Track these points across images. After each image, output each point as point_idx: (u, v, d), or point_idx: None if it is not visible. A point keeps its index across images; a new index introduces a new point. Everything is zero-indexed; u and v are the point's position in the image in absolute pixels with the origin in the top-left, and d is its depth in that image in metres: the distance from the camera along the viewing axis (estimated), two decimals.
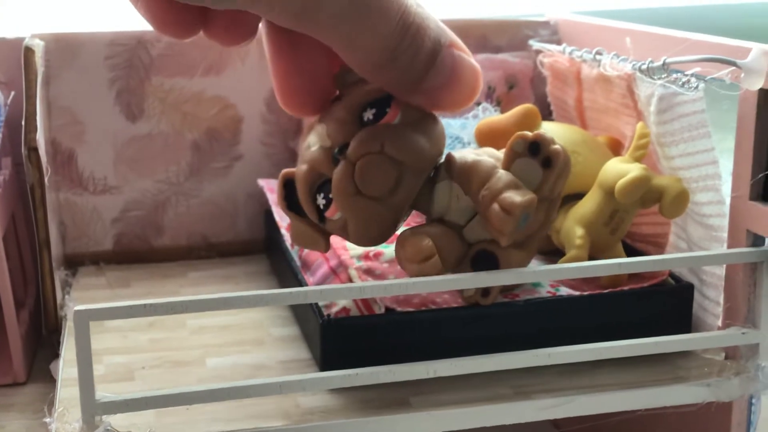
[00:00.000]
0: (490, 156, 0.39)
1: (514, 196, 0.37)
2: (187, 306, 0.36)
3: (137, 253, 0.59)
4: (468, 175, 0.38)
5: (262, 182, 0.57)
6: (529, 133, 0.38)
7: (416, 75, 0.33)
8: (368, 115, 0.37)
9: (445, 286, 0.39)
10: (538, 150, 0.38)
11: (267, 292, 0.37)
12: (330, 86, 0.38)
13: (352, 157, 0.36)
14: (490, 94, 0.61)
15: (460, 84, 0.34)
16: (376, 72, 0.33)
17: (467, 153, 0.39)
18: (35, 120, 0.49)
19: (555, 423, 0.57)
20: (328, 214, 0.38)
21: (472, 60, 0.35)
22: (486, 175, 0.38)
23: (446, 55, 0.34)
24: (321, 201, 0.38)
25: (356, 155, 0.36)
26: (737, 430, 0.43)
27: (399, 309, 0.41)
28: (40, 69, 0.51)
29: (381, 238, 0.38)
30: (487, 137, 0.48)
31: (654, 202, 0.43)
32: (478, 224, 0.39)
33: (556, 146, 0.38)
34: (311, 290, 0.37)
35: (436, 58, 0.33)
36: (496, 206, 0.37)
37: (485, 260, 0.39)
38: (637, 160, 0.44)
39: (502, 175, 0.38)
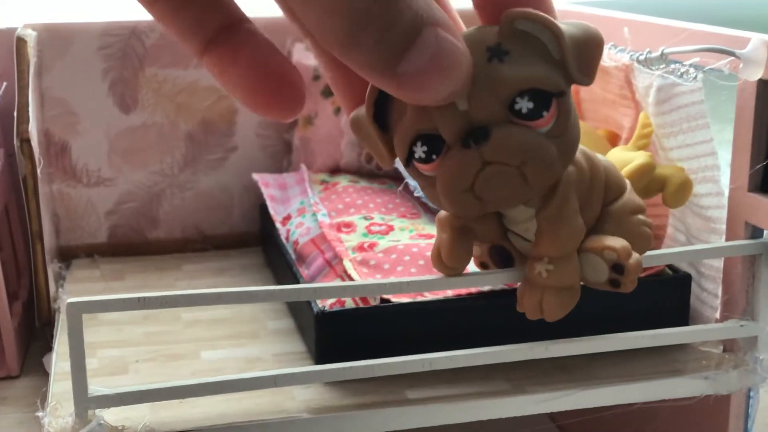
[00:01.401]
0: (597, 194, 0.36)
1: (558, 308, 0.36)
2: (181, 300, 0.35)
3: (132, 245, 0.58)
4: (545, 235, 0.35)
5: (257, 176, 0.57)
6: (626, 252, 0.35)
7: (390, 54, 0.27)
8: (523, 106, 0.31)
9: (439, 287, 0.38)
10: (620, 273, 0.36)
11: (261, 289, 0.36)
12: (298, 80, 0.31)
13: (490, 157, 0.31)
14: None
15: (445, 72, 0.28)
16: (341, 46, 0.27)
17: (569, 192, 0.35)
18: (27, 111, 0.48)
19: (552, 416, 0.57)
20: (421, 167, 0.33)
21: (462, 45, 0.28)
22: (558, 248, 0.35)
23: (430, 34, 0.27)
24: (420, 152, 0.32)
25: (495, 157, 0.31)
26: (735, 423, 0.42)
27: (394, 300, 0.40)
28: (32, 59, 0.50)
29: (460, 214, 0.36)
30: None
31: (657, 192, 0.42)
32: (526, 248, 0.37)
33: (635, 281, 0.36)
34: (305, 288, 0.37)
35: (418, 35, 0.27)
36: (538, 295, 0.36)
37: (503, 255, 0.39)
38: (640, 149, 0.43)
39: (570, 266, 0.35)
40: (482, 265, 0.40)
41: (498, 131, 0.31)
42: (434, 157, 0.32)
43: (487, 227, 0.37)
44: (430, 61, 0.28)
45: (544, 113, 0.32)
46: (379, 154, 0.34)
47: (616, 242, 0.35)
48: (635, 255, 0.36)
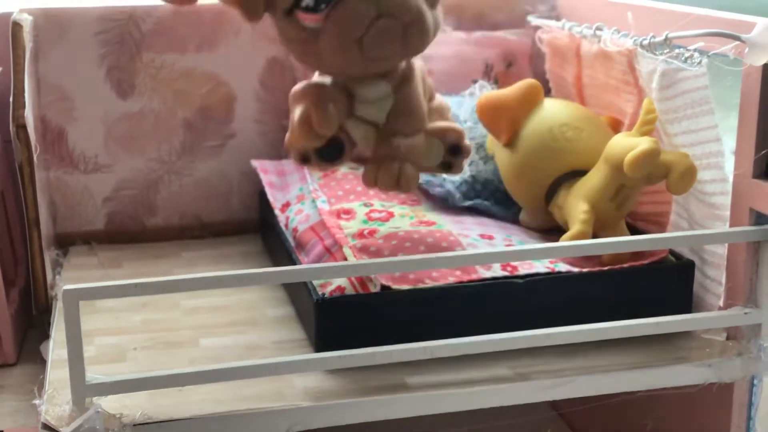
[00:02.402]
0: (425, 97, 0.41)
1: (414, 179, 0.40)
2: (178, 285, 0.35)
3: (129, 232, 0.58)
4: (402, 111, 0.39)
5: (256, 163, 0.56)
6: (461, 133, 0.41)
7: None
8: None
9: (442, 264, 0.38)
10: (456, 154, 0.41)
11: (259, 271, 0.36)
12: None
13: (385, 9, 0.36)
14: (487, 72, 0.60)
15: None
16: None
17: (419, 84, 0.40)
18: (23, 97, 0.48)
19: (554, 405, 0.56)
20: (306, 17, 0.37)
21: None
22: (413, 124, 0.40)
23: None
24: (308, 0, 0.36)
25: (389, 9, 0.36)
26: (739, 411, 0.42)
27: (394, 287, 0.40)
28: (28, 44, 0.50)
29: (333, 72, 0.39)
30: (489, 112, 0.47)
31: (661, 178, 0.42)
32: (364, 135, 0.40)
33: (464, 166, 0.42)
34: (305, 268, 0.37)
35: None
36: (396, 168, 0.39)
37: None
38: (644, 135, 0.43)
39: (419, 141, 0.40)
40: (303, 159, 0.41)
41: None
42: (323, 6, 0.36)
43: (340, 105, 0.39)
44: None
45: None
46: (253, 2, 0.37)
47: (455, 126, 0.41)
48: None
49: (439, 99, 0.43)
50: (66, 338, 0.34)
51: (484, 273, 0.41)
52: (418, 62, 0.41)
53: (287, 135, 0.41)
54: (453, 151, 0.41)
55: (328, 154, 0.40)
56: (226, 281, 0.35)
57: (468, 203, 0.49)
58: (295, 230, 0.48)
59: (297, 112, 0.39)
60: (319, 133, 0.39)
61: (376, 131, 0.40)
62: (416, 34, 0.36)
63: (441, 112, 0.43)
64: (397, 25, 0.36)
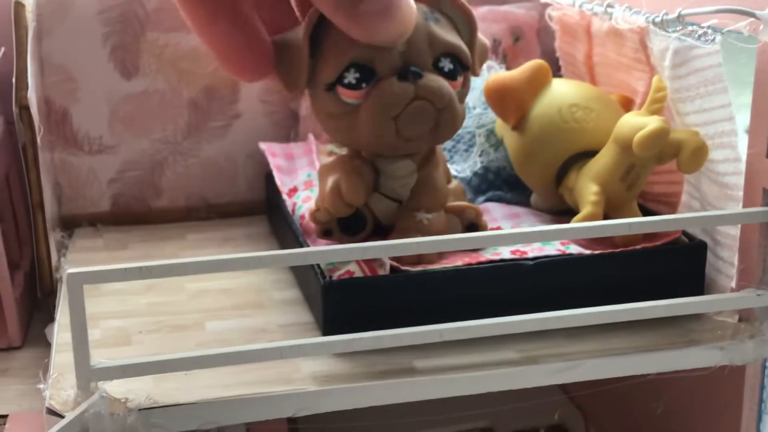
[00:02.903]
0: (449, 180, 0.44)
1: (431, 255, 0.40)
2: (184, 268, 0.34)
3: (135, 214, 0.58)
4: (426, 188, 0.41)
5: (264, 146, 0.55)
6: (478, 212, 0.43)
7: None
8: (445, 65, 0.39)
9: (449, 246, 0.38)
10: (473, 231, 0.42)
11: (267, 254, 0.35)
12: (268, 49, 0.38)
13: (422, 92, 0.37)
14: (495, 48, 0.59)
15: (397, 11, 0.34)
16: None
17: (443, 166, 0.43)
18: (26, 77, 0.47)
19: (563, 388, 0.56)
20: (347, 93, 0.38)
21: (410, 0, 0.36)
22: (435, 200, 0.41)
23: None
24: (351, 78, 0.38)
25: (425, 94, 0.37)
26: (750, 394, 0.42)
27: (403, 268, 0.39)
28: (31, 24, 0.49)
29: (365, 147, 0.40)
30: (497, 95, 0.47)
31: (671, 157, 0.41)
32: (386, 210, 0.41)
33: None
34: (312, 251, 0.36)
35: None
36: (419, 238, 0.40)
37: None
38: (653, 114, 0.42)
39: (440, 217, 0.41)
40: (326, 232, 0.43)
41: (429, 75, 0.38)
42: (364, 85, 0.37)
43: (367, 178, 0.40)
44: (385, 7, 0.34)
45: (458, 77, 0.39)
46: (296, 76, 0.38)
47: (472, 205, 0.43)
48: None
49: (455, 182, 0.45)
50: (70, 322, 0.33)
51: (494, 257, 0.40)
52: (438, 147, 0.42)
53: (311, 208, 0.43)
54: (470, 229, 0.43)
55: (350, 226, 0.42)
56: (233, 264, 0.35)
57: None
58: (302, 217, 0.47)
59: (328, 183, 0.41)
60: (348, 202, 0.40)
61: (398, 207, 0.41)
62: (448, 119, 0.38)
63: (457, 194, 0.44)
64: (431, 109, 0.38)
